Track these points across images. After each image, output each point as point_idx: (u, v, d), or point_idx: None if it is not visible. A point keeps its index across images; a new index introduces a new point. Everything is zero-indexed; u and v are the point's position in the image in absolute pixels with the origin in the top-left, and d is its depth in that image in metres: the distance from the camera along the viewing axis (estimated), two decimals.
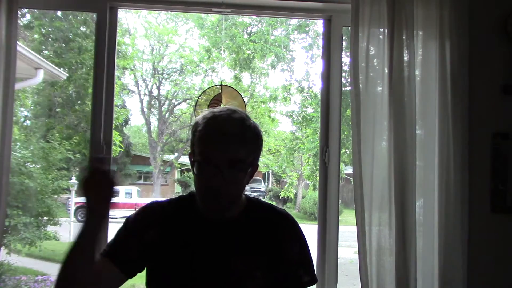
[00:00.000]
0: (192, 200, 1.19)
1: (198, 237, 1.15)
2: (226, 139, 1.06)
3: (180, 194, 1.23)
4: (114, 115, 2.14)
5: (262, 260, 1.15)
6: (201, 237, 1.15)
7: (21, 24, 9.70)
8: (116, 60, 2.16)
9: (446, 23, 1.97)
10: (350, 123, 1.96)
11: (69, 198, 10.70)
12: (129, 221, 1.21)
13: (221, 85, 2.34)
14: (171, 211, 1.20)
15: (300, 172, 13.55)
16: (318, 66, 10.18)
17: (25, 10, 8.42)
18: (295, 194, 14.48)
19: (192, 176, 1.15)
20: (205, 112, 1.13)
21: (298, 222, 1.24)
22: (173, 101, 16.06)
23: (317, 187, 3.29)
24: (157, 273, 1.17)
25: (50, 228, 6.47)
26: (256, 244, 1.16)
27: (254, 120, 1.15)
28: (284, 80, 10.84)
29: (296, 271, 1.18)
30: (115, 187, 1.08)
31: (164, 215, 1.19)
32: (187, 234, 1.16)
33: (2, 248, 4.96)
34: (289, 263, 1.17)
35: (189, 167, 1.20)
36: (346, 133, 7.01)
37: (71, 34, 10.06)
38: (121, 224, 1.22)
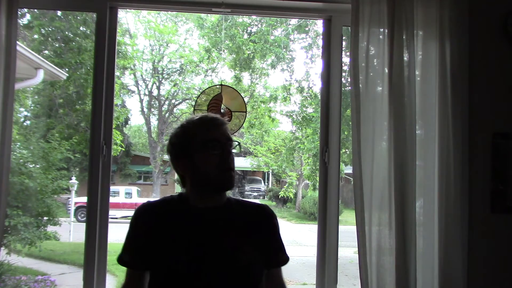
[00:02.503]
0: (182, 197, 1.41)
1: (194, 223, 1.35)
2: (220, 123, 1.38)
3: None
4: (114, 115, 2.15)
5: (249, 238, 1.38)
6: (197, 223, 1.35)
7: (21, 24, 9.70)
8: (116, 60, 2.16)
9: (446, 23, 1.97)
10: (350, 123, 1.96)
11: (69, 198, 10.71)
12: (131, 227, 1.39)
13: (221, 85, 2.33)
14: (166, 207, 1.40)
15: (300, 172, 13.56)
16: (318, 66, 10.18)
17: (25, 10, 8.43)
18: (295, 194, 14.48)
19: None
20: (181, 125, 1.41)
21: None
22: (173, 101, 16.07)
23: (317, 187, 3.29)
24: (162, 261, 1.32)
25: (50, 228, 6.45)
26: (242, 225, 1.39)
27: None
28: (284, 80, 10.85)
29: (283, 250, 1.45)
30: None
31: (160, 212, 1.38)
32: (184, 223, 1.35)
33: (2, 248, 4.96)
34: (277, 246, 1.44)
35: None
36: (346, 133, 7.01)
37: (71, 34, 10.06)
38: (127, 230, 1.41)
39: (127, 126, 17.29)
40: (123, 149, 13.40)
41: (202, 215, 1.36)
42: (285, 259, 1.45)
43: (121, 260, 1.38)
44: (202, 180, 1.36)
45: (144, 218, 1.37)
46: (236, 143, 1.40)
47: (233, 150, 1.39)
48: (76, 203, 10.73)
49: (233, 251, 1.33)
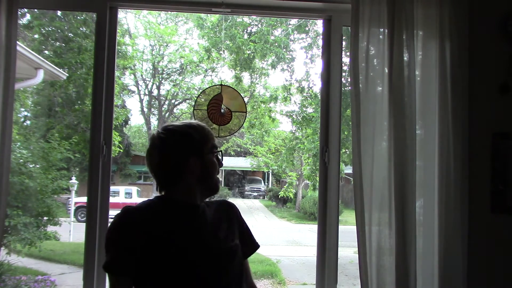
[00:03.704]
0: (164, 199, 1.42)
1: (186, 222, 1.38)
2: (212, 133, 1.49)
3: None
4: (114, 115, 2.15)
5: (234, 233, 1.47)
6: (189, 222, 1.39)
7: (21, 24, 9.70)
8: (116, 60, 2.16)
9: (446, 23, 1.97)
10: (350, 123, 1.96)
11: (69, 198, 10.71)
12: (114, 234, 1.34)
13: (221, 85, 2.33)
14: (151, 210, 1.40)
15: (300, 172, 13.56)
16: (318, 66, 10.18)
17: (25, 10, 8.43)
18: (295, 194, 14.48)
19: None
20: (194, 125, 1.45)
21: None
22: (173, 101, 16.08)
23: (317, 187, 3.29)
24: (157, 262, 1.31)
25: (50, 228, 6.46)
26: (226, 223, 1.47)
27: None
28: (284, 80, 10.83)
29: (252, 237, 1.55)
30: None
31: (147, 215, 1.37)
32: (172, 222, 1.37)
33: (2, 248, 4.95)
34: (247, 233, 1.53)
35: None
36: (346, 133, 7.01)
37: (71, 34, 10.05)
38: (107, 241, 1.35)
39: (127, 126, 17.30)
40: (122, 150, 13.40)
41: (188, 213, 1.41)
42: (257, 245, 1.55)
43: (109, 268, 1.32)
44: (206, 181, 1.43)
45: (131, 222, 1.33)
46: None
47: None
48: (76, 203, 10.73)
49: (225, 242, 1.41)
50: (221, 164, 1.48)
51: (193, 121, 1.48)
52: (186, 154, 1.38)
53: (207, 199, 1.51)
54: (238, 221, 1.52)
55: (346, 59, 3.49)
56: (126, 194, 13.02)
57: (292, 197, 13.71)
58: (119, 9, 2.12)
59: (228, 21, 10.20)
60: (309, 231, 11.70)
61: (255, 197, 18.78)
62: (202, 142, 1.42)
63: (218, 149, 1.48)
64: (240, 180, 20.11)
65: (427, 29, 2.00)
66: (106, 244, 1.33)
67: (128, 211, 1.36)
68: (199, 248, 1.35)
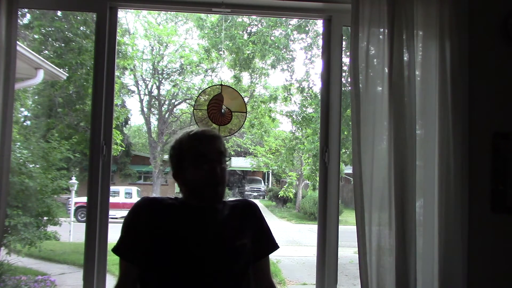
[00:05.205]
0: (179, 199, 1.49)
1: (195, 220, 1.42)
2: (210, 138, 1.45)
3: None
4: (114, 115, 2.15)
5: (245, 232, 1.46)
6: (198, 221, 1.42)
7: (21, 24, 9.70)
8: (116, 60, 2.16)
9: (446, 23, 1.97)
10: (350, 123, 1.96)
11: (69, 198, 10.72)
12: (130, 220, 1.42)
13: (221, 85, 2.33)
14: (166, 204, 1.46)
15: (300, 172, 13.56)
16: (318, 66, 10.18)
17: (25, 10, 8.43)
18: (295, 194, 14.48)
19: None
20: (177, 138, 1.50)
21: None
22: (173, 101, 16.08)
23: (317, 187, 3.29)
24: (163, 255, 1.36)
25: (50, 228, 6.46)
26: (238, 222, 1.47)
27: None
28: (285, 80, 10.84)
29: (271, 237, 1.54)
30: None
31: (161, 208, 1.43)
32: (183, 219, 1.42)
33: (2, 248, 4.95)
34: (265, 233, 1.53)
35: None
36: (346, 133, 7.01)
37: (71, 34, 10.06)
38: (122, 226, 1.42)
39: (127, 126, 17.31)
40: (123, 149, 13.42)
41: (199, 212, 1.44)
42: (275, 245, 1.54)
43: (117, 250, 1.40)
44: (191, 194, 1.46)
45: (145, 212, 1.41)
46: (228, 158, 1.48)
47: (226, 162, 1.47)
48: (76, 203, 10.73)
49: (230, 242, 1.42)
50: (209, 173, 1.40)
51: (188, 130, 1.49)
52: (172, 168, 1.49)
53: (227, 198, 1.55)
54: (255, 221, 1.51)
55: (346, 59, 3.48)
56: (126, 194, 13.04)
57: (292, 197, 13.72)
58: (119, 9, 2.12)
59: (228, 21, 10.20)
60: (309, 231, 11.70)
61: (255, 197, 18.77)
62: (180, 155, 1.45)
63: (202, 157, 1.41)
64: (240, 180, 20.12)
65: (427, 29, 2.00)
66: (121, 228, 1.42)
67: (144, 200, 1.46)
68: (199, 246, 1.37)
